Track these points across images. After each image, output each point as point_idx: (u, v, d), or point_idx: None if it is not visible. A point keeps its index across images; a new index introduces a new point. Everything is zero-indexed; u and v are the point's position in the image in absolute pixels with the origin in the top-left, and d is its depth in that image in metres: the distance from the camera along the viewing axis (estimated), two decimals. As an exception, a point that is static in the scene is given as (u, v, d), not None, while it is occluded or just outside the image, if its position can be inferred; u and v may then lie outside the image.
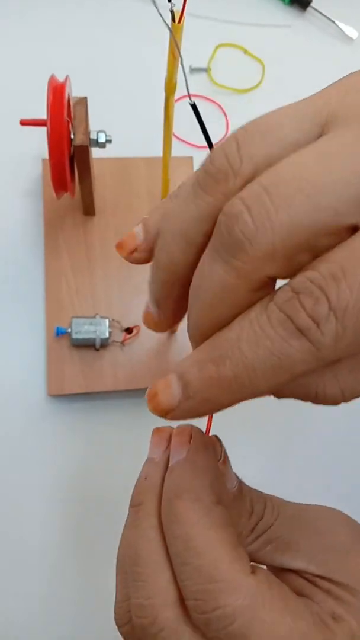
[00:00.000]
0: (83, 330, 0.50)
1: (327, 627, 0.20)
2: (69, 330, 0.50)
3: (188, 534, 0.21)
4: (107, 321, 0.50)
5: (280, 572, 0.23)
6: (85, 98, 0.45)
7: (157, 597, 0.21)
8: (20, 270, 0.53)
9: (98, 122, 0.48)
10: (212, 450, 0.23)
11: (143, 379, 0.51)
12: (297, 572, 0.23)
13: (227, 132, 0.60)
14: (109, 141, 0.46)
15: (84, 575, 0.48)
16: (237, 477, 0.24)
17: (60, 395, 0.50)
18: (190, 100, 0.30)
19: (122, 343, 0.51)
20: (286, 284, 0.17)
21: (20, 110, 0.48)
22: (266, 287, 0.18)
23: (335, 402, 0.19)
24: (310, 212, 0.16)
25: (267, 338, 0.17)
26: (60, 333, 0.50)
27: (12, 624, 0.46)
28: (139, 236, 0.24)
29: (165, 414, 0.19)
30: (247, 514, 0.23)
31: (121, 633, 0.23)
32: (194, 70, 0.63)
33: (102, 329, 0.50)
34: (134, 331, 0.52)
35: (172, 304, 0.23)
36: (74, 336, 0.49)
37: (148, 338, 0.52)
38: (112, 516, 0.49)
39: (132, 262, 0.25)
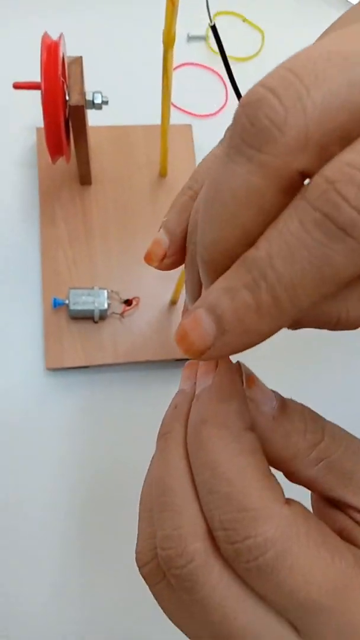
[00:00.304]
0: (81, 301, 0.48)
1: None
2: (67, 301, 0.48)
3: (215, 461, 0.19)
4: (105, 292, 0.49)
5: (329, 508, 0.21)
6: (81, 57, 0.43)
7: (186, 528, 0.19)
8: (16, 240, 0.52)
9: (95, 88, 0.46)
10: (239, 375, 0.21)
11: (143, 351, 0.50)
12: (348, 512, 0.21)
13: (226, 100, 0.59)
14: (105, 102, 0.44)
15: (87, 550, 0.46)
16: (278, 395, 0.21)
17: (59, 368, 0.49)
18: (211, 21, 0.29)
19: (122, 315, 0.50)
20: (317, 175, 0.14)
21: (13, 78, 0.46)
22: (295, 188, 0.15)
23: (357, 326, 0.17)
24: (346, 86, 0.14)
25: (304, 247, 0.14)
26: (57, 304, 0.49)
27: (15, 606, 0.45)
28: (164, 241, 0.23)
29: (200, 354, 0.17)
30: (300, 431, 0.20)
31: (143, 574, 0.21)
32: (192, 38, 0.61)
33: (100, 300, 0.48)
34: (134, 303, 0.50)
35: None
36: (72, 307, 0.48)
37: (148, 310, 0.51)
38: (115, 489, 0.48)
39: (164, 270, 0.24)
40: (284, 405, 0.21)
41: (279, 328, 0.16)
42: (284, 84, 0.14)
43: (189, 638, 0.21)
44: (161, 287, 0.51)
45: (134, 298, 0.50)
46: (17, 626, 0.45)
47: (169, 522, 0.20)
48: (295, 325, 0.18)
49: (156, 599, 0.21)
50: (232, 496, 0.18)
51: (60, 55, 0.42)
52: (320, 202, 0.14)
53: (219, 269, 0.17)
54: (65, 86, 0.42)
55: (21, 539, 0.46)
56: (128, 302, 0.50)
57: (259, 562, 0.18)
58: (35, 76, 0.44)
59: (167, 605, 0.21)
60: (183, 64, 0.60)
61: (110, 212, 0.52)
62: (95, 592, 0.46)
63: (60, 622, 0.45)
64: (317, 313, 0.17)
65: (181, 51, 0.60)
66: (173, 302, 0.51)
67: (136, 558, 0.21)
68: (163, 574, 0.20)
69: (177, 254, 0.24)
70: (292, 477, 0.21)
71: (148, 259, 0.24)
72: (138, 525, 0.22)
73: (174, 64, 0.43)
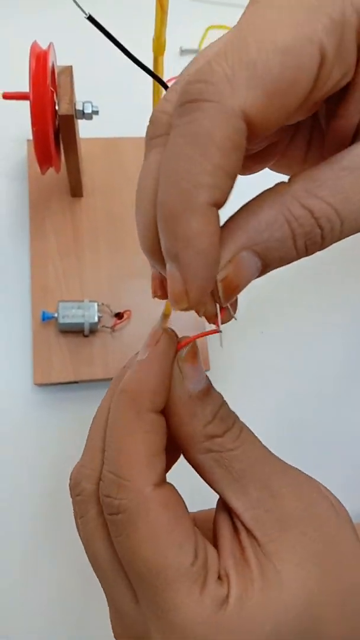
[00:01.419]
0: (71, 314, 0.47)
1: (200, 575, 0.21)
2: (56, 314, 0.47)
3: (116, 428, 0.22)
4: (96, 305, 0.48)
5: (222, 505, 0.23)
6: (71, 67, 0.43)
7: (86, 469, 0.24)
8: (5, 253, 0.51)
9: (85, 99, 0.46)
10: (173, 355, 0.23)
11: (135, 366, 0.48)
12: (233, 516, 0.23)
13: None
14: (95, 112, 0.43)
15: (70, 564, 0.45)
16: (208, 383, 0.23)
17: (47, 384, 0.47)
18: (85, 13, 0.29)
19: (112, 329, 0.49)
20: None
21: (2, 89, 0.45)
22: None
23: None
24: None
25: None
26: (46, 318, 0.47)
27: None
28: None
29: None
30: (204, 419, 0.22)
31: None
32: (184, 51, 0.61)
33: (90, 313, 0.47)
34: (125, 316, 0.49)
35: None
36: (61, 321, 0.47)
37: (140, 323, 0.49)
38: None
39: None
40: (207, 392, 0.23)
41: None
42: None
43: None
44: (153, 300, 0.50)
45: (125, 311, 0.49)
46: (17, 626, 0.43)
47: (82, 458, 0.24)
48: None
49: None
50: (114, 460, 0.22)
51: (50, 64, 0.41)
52: None
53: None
54: (55, 96, 0.42)
55: (12, 554, 0.44)
56: (119, 316, 0.49)
57: (112, 518, 0.21)
58: (25, 87, 0.44)
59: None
60: (175, 77, 0.60)
61: (100, 225, 0.52)
62: (93, 596, 0.44)
63: (60, 622, 0.43)
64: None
65: (174, 64, 0.60)
66: (165, 315, 0.50)
67: (72, 480, 0.25)
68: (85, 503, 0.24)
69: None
70: (185, 455, 0.23)
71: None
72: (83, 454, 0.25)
73: (166, 78, 0.43)
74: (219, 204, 0.18)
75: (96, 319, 0.47)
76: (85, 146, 0.52)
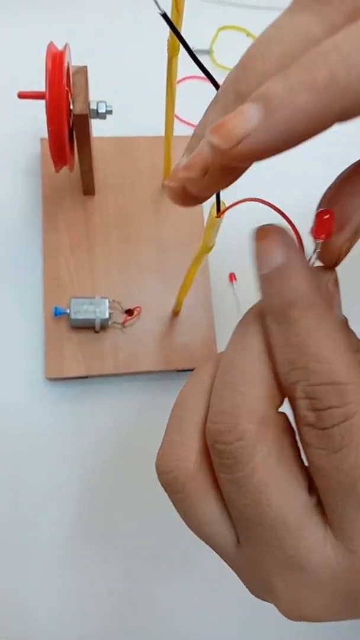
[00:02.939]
0: (82, 310, 0.48)
1: None
2: (68, 310, 0.48)
3: (305, 342, 0.19)
4: (107, 301, 0.48)
5: None
6: (85, 67, 0.43)
7: (243, 407, 0.20)
8: (18, 249, 0.52)
9: (99, 98, 0.46)
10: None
11: (144, 362, 0.49)
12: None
13: (230, 113, 0.59)
14: (109, 112, 0.44)
15: (82, 559, 0.46)
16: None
17: (59, 378, 0.48)
18: (160, 9, 0.28)
19: (123, 325, 0.50)
20: None
21: (18, 88, 0.46)
22: None
23: None
24: None
25: None
26: (58, 313, 0.48)
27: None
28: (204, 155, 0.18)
29: (237, 142, 0.16)
30: (354, 347, 0.20)
31: (162, 482, 0.22)
32: (196, 52, 0.61)
33: (102, 309, 0.48)
34: (135, 312, 0.50)
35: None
36: (73, 316, 0.48)
37: (149, 319, 0.50)
38: (116, 500, 0.47)
39: (195, 198, 0.20)
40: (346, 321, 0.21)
41: (330, 112, 0.16)
42: None
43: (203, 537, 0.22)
44: (163, 296, 0.51)
45: (135, 308, 0.50)
46: (17, 626, 0.44)
47: (229, 400, 0.20)
48: (344, 115, 0.17)
49: (175, 507, 0.22)
50: (320, 370, 0.18)
51: (65, 65, 0.42)
52: None
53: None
54: (69, 95, 0.42)
55: (21, 549, 0.45)
56: (129, 312, 0.50)
57: (335, 430, 0.18)
58: (40, 86, 0.45)
59: (183, 511, 0.21)
60: (187, 77, 0.60)
61: (112, 222, 0.52)
62: (96, 597, 0.45)
63: (61, 622, 0.44)
64: None
65: (186, 64, 0.61)
66: (175, 312, 0.51)
67: (156, 464, 0.22)
68: (183, 485, 0.21)
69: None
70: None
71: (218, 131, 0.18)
72: (165, 432, 0.22)
73: (178, 77, 0.43)
74: None
75: (107, 315, 0.48)
76: (98, 145, 0.53)
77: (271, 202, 0.21)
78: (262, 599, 0.22)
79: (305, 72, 0.16)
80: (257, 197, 0.22)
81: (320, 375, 0.18)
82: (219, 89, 0.20)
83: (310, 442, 0.19)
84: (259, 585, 0.22)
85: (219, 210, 0.28)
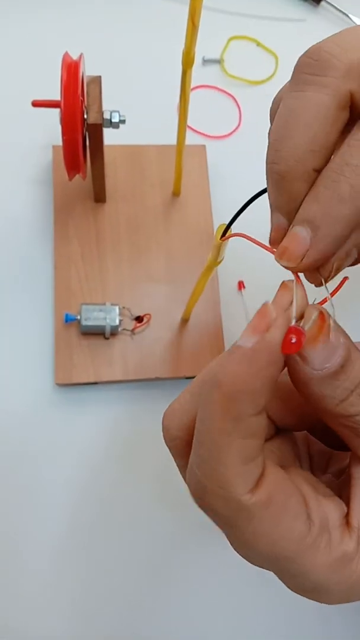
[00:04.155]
0: (92, 316, 0.48)
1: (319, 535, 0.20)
2: (78, 317, 0.48)
3: (207, 428, 0.19)
4: (117, 308, 0.49)
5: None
6: (99, 77, 0.44)
7: (175, 413, 0.25)
8: (30, 256, 0.52)
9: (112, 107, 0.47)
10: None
11: (153, 368, 0.49)
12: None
13: (239, 122, 0.60)
14: (122, 121, 0.44)
15: (89, 566, 0.46)
16: (344, 354, 0.19)
17: (68, 384, 0.49)
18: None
19: (133, 332, 0.50)
20: None
21: (30, 96, 0.47)
22: (348, 107, 0.21)
23: None
24: None
25: None
26: (69, 320, 0.49)
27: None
28: (303, 238, 0.22)
29: (300, 259, 0.21)
30: (333, 399, 0.20)
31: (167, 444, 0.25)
32: (207, 61, 0.62)
33: (112, 316, 0.48)
34: (145, 319, 0.50)
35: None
36: (84, 323, 0.48)
37: (159, 327, 0.51)
38: (124, 506, 0.47)
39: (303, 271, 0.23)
40: (342, 366, 0.19)
41: (358, 211, 0.21)
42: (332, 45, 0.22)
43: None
44: (172, 304, 0.51)
45: (145, 315, 0.50)
46: (18, 626, 0.44)
47: (178, 400, 0.25)
48: None
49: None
50: (207, 466, 0.19)
51: (80, 74, 0.42)
52: None
53: (293, 176, 0.21)
54: (83, 105, 0.43)
55: (28, 554, 0.46)
56: (139, 319, 0.50)
57: (212, 518, 0.21)
58: (52, 94, 0.45)
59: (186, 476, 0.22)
60: (198, 86, 0.61)
61: (122, 230, 0.53)
62: (95, 598, 0.45)
63: (61, 623, 0.44)
64: None
65: (197, 73, 0.61)
66: (184, 320, 0.51)
67: (163, 426, 0.24)
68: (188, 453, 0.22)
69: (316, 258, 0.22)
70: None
71: (284, 256, 0.22)
72: (181, 394, 0.24)
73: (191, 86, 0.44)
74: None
75: (117, 322, 0.48)
76: (109, 153, 0.53)
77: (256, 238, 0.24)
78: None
79: (330, 191, 0.21)
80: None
81: (206, 469, 0.20)
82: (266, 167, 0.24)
83: None
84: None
85: (224, 235, 0.30)
